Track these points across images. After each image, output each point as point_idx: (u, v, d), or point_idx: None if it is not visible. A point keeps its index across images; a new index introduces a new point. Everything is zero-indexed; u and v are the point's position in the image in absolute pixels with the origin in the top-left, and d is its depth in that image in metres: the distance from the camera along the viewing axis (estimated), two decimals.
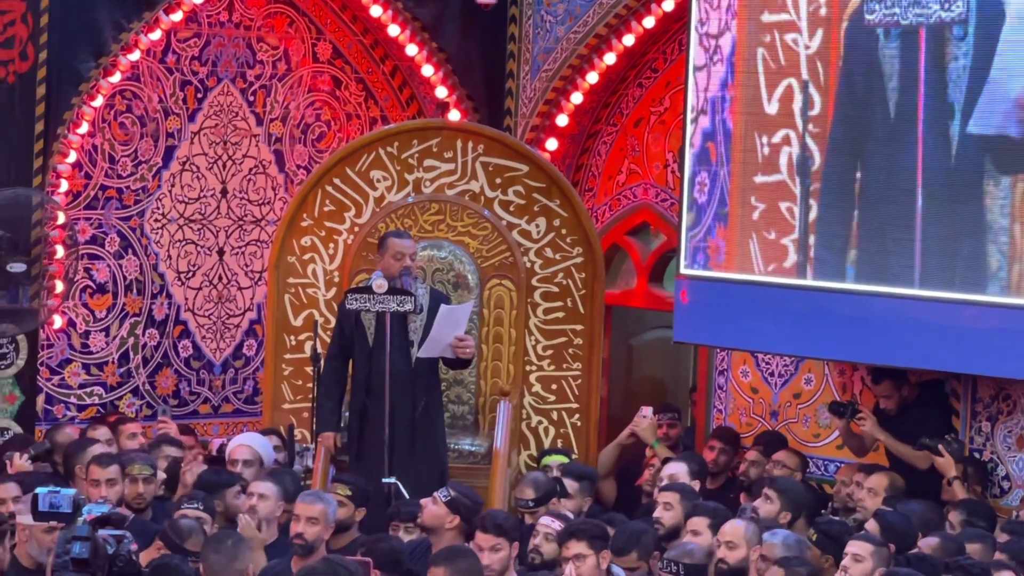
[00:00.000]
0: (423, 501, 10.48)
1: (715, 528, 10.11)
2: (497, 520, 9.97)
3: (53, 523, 7.42)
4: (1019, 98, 11.95)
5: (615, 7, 14.77)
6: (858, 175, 12.67)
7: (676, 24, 14.22)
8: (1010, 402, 13.00)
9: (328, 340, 13.29)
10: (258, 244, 14.96)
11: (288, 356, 13.89)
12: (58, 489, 7.24)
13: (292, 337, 13.92)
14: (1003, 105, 12.02)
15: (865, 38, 12.63)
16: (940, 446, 12.43)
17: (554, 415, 14.03)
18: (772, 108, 13.07)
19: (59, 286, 13.80)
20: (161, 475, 11.42)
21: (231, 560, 8.40)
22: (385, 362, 12.26)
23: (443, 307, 12.41)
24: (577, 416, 14.01)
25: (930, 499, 11.87)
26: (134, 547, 7.14)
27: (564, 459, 13.02)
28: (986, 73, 12.13)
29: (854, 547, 9.76)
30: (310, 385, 13.17)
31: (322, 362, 12.97)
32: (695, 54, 13.48)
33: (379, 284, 12.33)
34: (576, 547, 9.57)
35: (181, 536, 9.49)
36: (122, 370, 14.63)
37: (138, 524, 9.69)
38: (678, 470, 11.89)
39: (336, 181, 13.99)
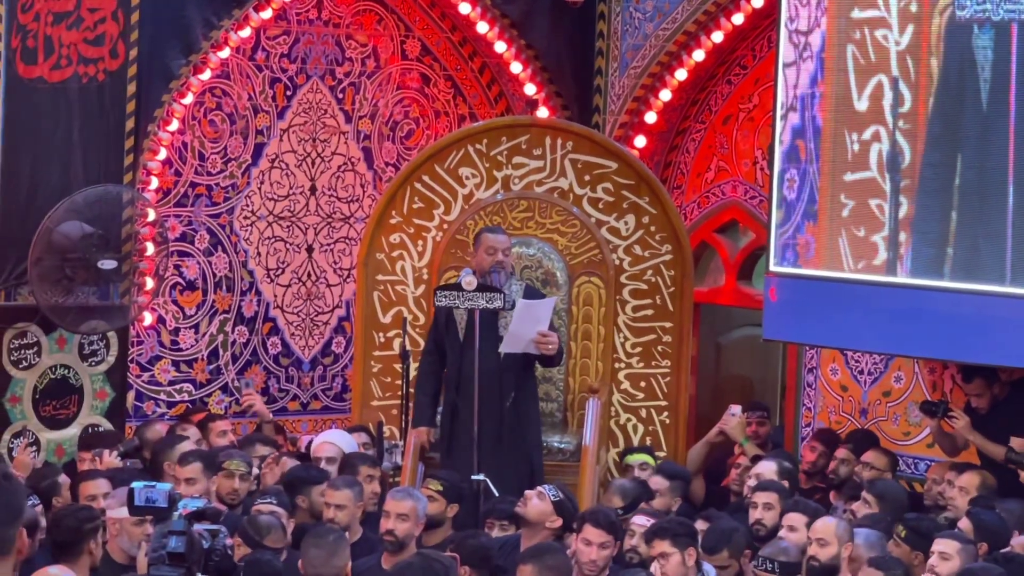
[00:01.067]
0: (528, 493, 10.50)
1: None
2: (610, 518, 10.02)
3: (147, 517, 7.48)
4: None
5: (704, 3, 14.72)
6: (952, 171, 12.64)
7: (765, 21, 14.21)
8: None
9: (417, 337, 13.37)
10: (347, 241, 15.00)
11: (377, 353, 13.88)
12: (154, 484, 7.27)
13: (381, 334, 13.90)
14: None
15: (957, 34, 12.60)
16: None
17: (643, 412, 13.99)
18: (862, 105, 13.00)
19: (149, 283, 13.83)
20: (256, 471, 11.49)
21: (331, 555, 8.46)
22: (474, 359, 12.24)
23: (520, 302, 12.33)
24: (666, 414, 13.96)
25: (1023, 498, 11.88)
26: (229, 541, 7.18)
27: (647, 457, 13.03)
28: None
29: (941, 545, 9.74)
30: (399, 382, 13.17)
31: (411, 360, 13.02)
32: (784, 51, 13.43)
33: (468, 281, 12.31)
34: (661, 546, 9.56)
35: (260, 533, 9.53)
36: (211, 367, 14.69)
37: (232, 520, 9.69)
38: (767, 469, 11.83)
39: (425, 178, 13.98)
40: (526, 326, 12.29)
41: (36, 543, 8.71)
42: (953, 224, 12.60)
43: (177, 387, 14.45)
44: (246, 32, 14.14)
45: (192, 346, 14.56)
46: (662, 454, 13.43)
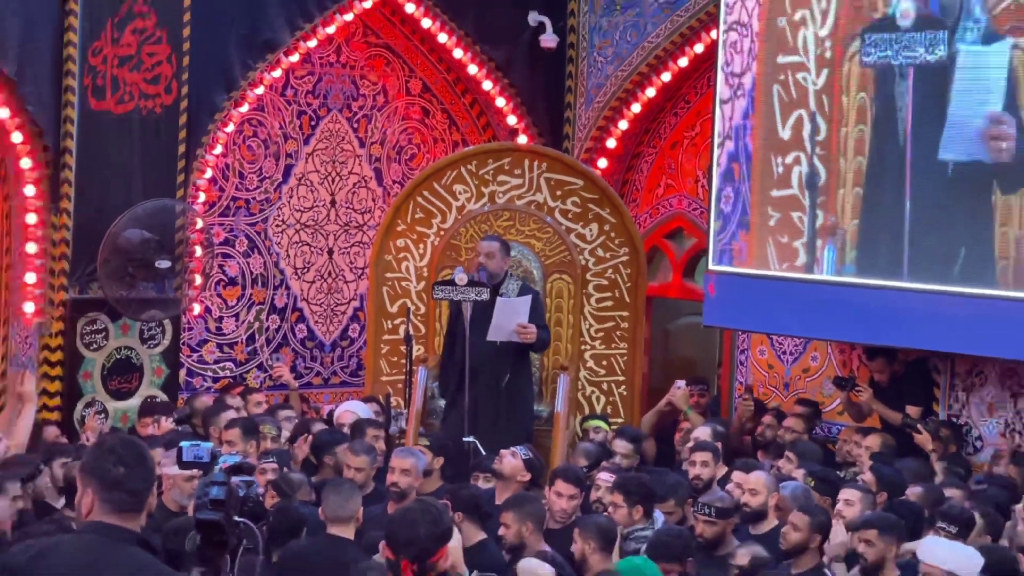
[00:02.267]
0: (503, 452, 10.48)
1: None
2: (578, 474, 10.17)
3: (195, 471, 7.54)
4: (983, 130, 11.99)
5: (655, 50, 14.75)
6: (853, 194, 12.72)
7: (705, 64, 14.21)
8: (982, 376, 13.01)
9: (419, 324, 13.44)
10: (361, 245, 15.00)
11: (386, 337, 13.94)
12: (199, 443, 7.33)
13: (389, 321, 13.95)
14: (971, 133, 12.06)
15: (864, 76, 12.66)
16: (919, 425, 12.48)
17: (604, 386, 14.03)
18: (786, 134, 13.06)
19: (197, 279, 13.86)
20: (286, 434, 11.59)
21: (346, 501, 8.54)
22: (465, 343, 12.31)
23: (499, 299, 12.33)
24: (623, 387, 14.03)
25: (917, 456, 11.96)
26: (260, 490, 7.24)
27: (601, 423, 13.11)
28: (959, 106, 12.17)
29: (846, 494, 9.90)
30: (403, 361, 13.13)
31: (413, 342, 13.02)
32: (721, 90, 13.51)
33: (460, 278, 12.35)
34: (616, 498, 9.67)
35: (291, 488, 9.63)
36: (249, 349, 14.74)
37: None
38: (703, 433, 11.87)
39: (425, 193, 13.99)
40: (507, 319, 12.30)
41: None
42: (859, 232, 12.69)
43: (221, 365, 14.51)
44: (277, 73, 14.18)
45: (233, 331, 14.61)
46: (620, 420, 13.49)
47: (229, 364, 14.56)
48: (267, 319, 14.84)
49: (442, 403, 12.85)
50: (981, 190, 12.00)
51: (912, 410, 12.86)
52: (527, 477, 10.22)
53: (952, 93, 12.14)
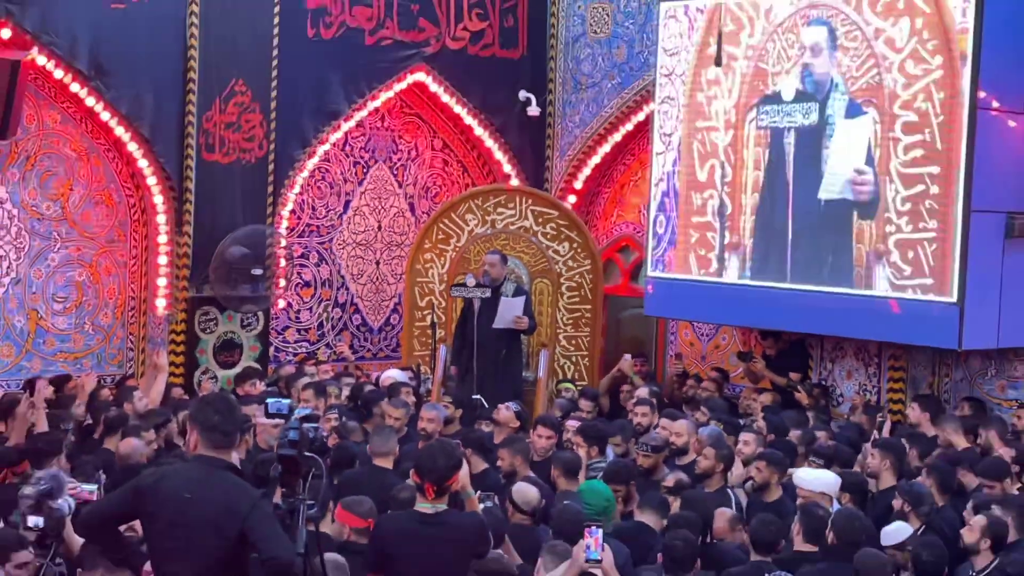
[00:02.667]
0: (500, 406, 10.57)
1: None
2: (554, 421, 10.27)
3: (277, 420, 7.59)
4: (850, 178, 12.02)
5: (609, 118, 14.69)
6: (752, 220, 12.76)
7: (645, 127, 14.14)
8: (843, 350, 13.04)
9: (440, 314, 13.48)
10: (399, 258, 14.96)
11: (417, 324, 13.90)
12: (281, 400, 7.38)
13: (420, 313, 13.92)
14: (841, 179, 12.08)
15: (758, 135, 12.69)
16: (798, 386, 12.56)
17: (573, 359, 14.00)
18: (702, 177, 13.06)
19: (282, 283, 13.88)
20: (345, 393, 11.61)
21: (387, 441, 8.62)
22: (475, 329, 12.36)
23: (503, 299, 12.43)
24: (586, 359, 14.03)
25: (796, 409, 12.03)
26: (325, 434, 7.29)
27: (570, 385, 13.31)
28: (833, 158, 12.22)
29: (744, 436, 10.05)
30: (430, 341, 13.23)
31: (437, 328, 13.10)
32: (657, 145, 13.50)
33: (470, 281, 12.46)
34: (578, 440, 9.76)
35: (347, 432, 9.80)
36: (319, 332, 14.72)
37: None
38: (643, 392, 11.93)
39: (445, 221, 14.01)
40: (508, 312, 12.37)
41: None
42: (755, 247, 12.72)
43: (298, 344, 14.52)
44: (339, 134, 14.16)
45: (307, 320, 14.61)
46: (583, 383, 13.50)
47: (304, 343, 14.56)
48: (332, 311, 14.82)
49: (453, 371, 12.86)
50: (845, 219, 12.02)
51: (793, 375, 12.95)
52: (517, 424, 10.26)
53: (826, 149, 12.19)
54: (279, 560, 5.48)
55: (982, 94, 11.29)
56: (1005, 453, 9.59)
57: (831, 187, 12.13)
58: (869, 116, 11.89)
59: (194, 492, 5.67)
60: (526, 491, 7.82)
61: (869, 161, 11.83)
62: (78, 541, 6.64)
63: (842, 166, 12.05)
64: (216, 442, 5.79)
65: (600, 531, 6.20)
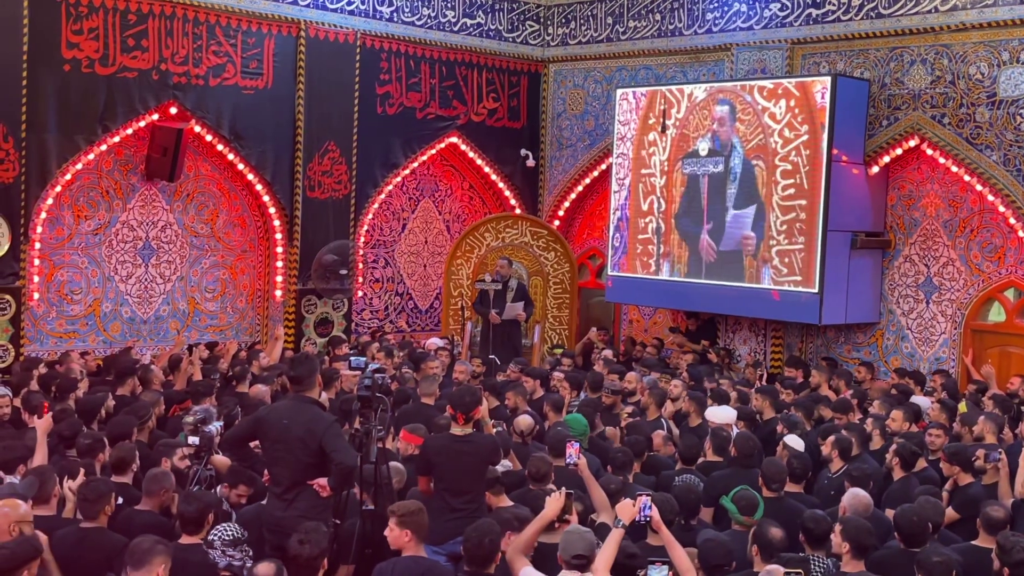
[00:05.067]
0: (509, 367, 10.61)
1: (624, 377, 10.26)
2: (544, 373, 10.40)
3: (356, 372, 7.61)
4: (749, 211, 12.05)
5: (581, 167, 14.60)
6: (678, 237, 12.76)
7: (607, 173, 14.01)
8: (740, 325, 12.99)
9: (467, 302, 13.45)
10: (440, 263, 14.81)
11: (451, 308, 13.89)
12: (360, 357, 7.41)
13: (453, 300, 13.88)
14: (749, 212, 12.12)
15: (682, 178, 12.69)
16: (711, 350, 12.56)
17: (557, 331, 14.02)
18: (645, 207, 13.02)
19: (360, 280, 13.88)
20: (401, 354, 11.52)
21: (431, 386, 8.58)
22: (490, 311, 12.38)
23: (508, 305, 12.47)
24: (566, 331, 14.04)
25: (708, 365, 12.03)
26: (389, 381, 7.31)
27: (557, 349, 13.25)
28: (736, 198, 12.23)
29: (673, 383, 9.98)
30: (460, 320, 13.27)
31: (465, 311, 13.18)
32: (614, 186, 13.42)
33: (487, 278, 12.54)
34: (563, 384, 9.75)
35: (404, 380, 9.65)
36: (385, 313, 14.62)
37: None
38: (607, 354, 11.93)
39: (470, 238, 13.98)
40: (511, 311, 12.46)
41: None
42: (682, 257, 12.73)
43: (371, 321, 14.44)
44: (398, 179, 14.03)
45: (377, 304, 14.54)
46: (564, 347, 13.45)
47: (375, 320, 14.49)
48: (394, 298, 14.76)
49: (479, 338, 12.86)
50: (741, 236, 12.05)
51: (705, 342, 12.95)
52: (519, 375, 10.24)
53: (729, 189, 12.20)
54: (344, 464, 5.68)
55: (835, 151, 11.44)
56: (848, 395, 9.64)
57: (726, 234, 12.17)
58: (757, 166, 11.92)
59: (289, 419, 5.84)
60: (524, 421, 7.86)
61: (758, 199, 11.86)
62: (224, 459, 6.70)
63: (738, 211, 12.06)
64: (296, 386, 5.99)
65: (578, 445, 6.39)
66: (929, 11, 11.25)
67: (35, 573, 4.57)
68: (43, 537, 4.89)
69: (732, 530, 5.94)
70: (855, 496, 6.16)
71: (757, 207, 11.92)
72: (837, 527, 5.45)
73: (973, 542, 5.82)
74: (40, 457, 6.37)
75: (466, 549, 4.88)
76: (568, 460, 6.25)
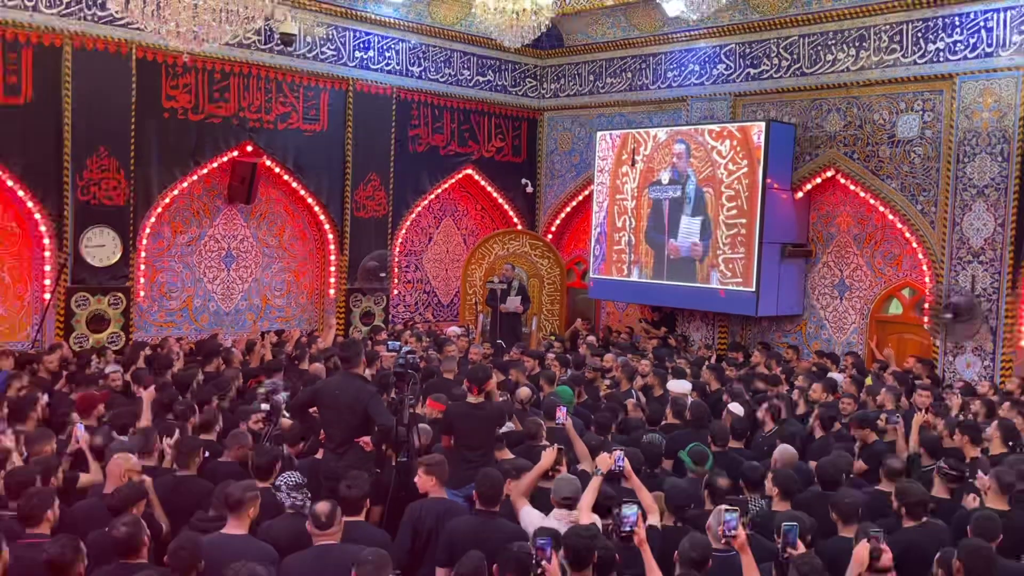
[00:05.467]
0: (512, 349, 10.51)
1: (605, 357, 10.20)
2: (541, 354, 10.20)
3: (393, 353, 7.58)
4: (691, 243, 11.97)
5: (569, 193, 14.54)
6: (648, 247, 12.71)
7: (589, 197, 13.98)
8: (694, 316, 12.93)
9: (479, 299, 13.32)
10: (458, 268, 14.72)
11: (468, 303, 13.80)
12: (395, 341, 7.37)
13: (468, 296, 13.83)
14: (693, 236, 12.06)
15: (649, 202, 12.64)
16: (671, 336, 12.51)
17: (550, 321, 13.94)
18: (620, 225, 12.99)
19: (396, 281, 13.78)
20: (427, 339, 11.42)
21: (451, 364, 8.50)
22: (497, 306, 12.31)
23: (509, 298, 12.36)
24: (557, 320, 13.99)
25: (669, 348, 11.96)
26: (419, 360, 7.25)
27: (553, 336, 13.03)
28: (690, 217, 12.17)
29: (643, 362, 9.82)
30: (474, 312, 13.18)
31: (479, 307, 13.05)
32: (595, 207, 13.34)
33: (496, 280, 12.46)
34: (554, 363, 9.64)
35: (430, 360, 9.43)
36: (416, 307, 14.56)
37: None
38: (591, 340, 11.84)
39: (481, 248, 13.94)
40: (511, 304, 12.35)
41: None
42: (648, 263, 12.67)
43: (404, 313, 14.39)
44: (425, 202, 13.96)
45: (409, 301, 14.49)
46: (556, 334, 13.36)
47: (407, 313, 14.47)
48: (421, 296, 14.67)
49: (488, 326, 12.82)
50: (690, 244, 11.99)
51: (666, 330, 12.91)
52: (520, 356, 10.17)
53: (684, 213, 12.15)
54: (384, 424, 5.65)
55: (768, 180, 11.41)
56: (778, 371, 9.60)
57: (683, 245, 12.08)
58: (708, 192, 11.87)
59: (340, 390, 5.80)
60: (524, 392, 7.80)
61: (706, 219, 11.80)
62: (287, 421, 6.67)
63: (692, 227, 11.98)
64: (349, 364, 5.93)
65: (565, 409, 6.36)
66: (842, 70, 11.25)
67: (142, 510, 4.59)
68: (148, 481, 4.90)
69: (688, 478, 5.93)
70: (784, 451, 6.15)
71: (703, 219, 11.87)
72: (769, 475, 5.45)
73: (877, 487, 5.81)
74: (145, 420, 6.38)
75: (479, 491, 4.87)
76: (557, 421, 6.23)
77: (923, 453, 6.46)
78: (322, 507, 4.40)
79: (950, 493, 5.64)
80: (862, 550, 3.71)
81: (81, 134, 10.46)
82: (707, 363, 10.54)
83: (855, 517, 4.85)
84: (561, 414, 6.21)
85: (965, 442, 6.47)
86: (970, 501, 5.30)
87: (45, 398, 6.87)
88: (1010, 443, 6.51)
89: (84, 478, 5.58)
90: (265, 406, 6.64)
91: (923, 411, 7.44)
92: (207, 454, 5.76)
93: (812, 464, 6.11)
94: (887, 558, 3.69)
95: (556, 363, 9.68)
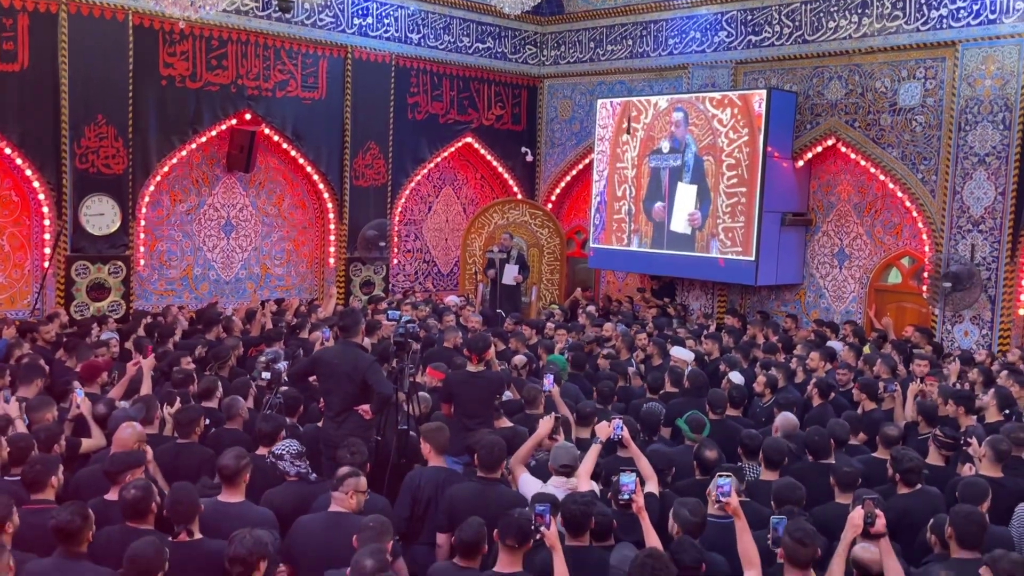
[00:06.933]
0: (507, 320, 10.53)
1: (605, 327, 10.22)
2: (541, 324, 10.18)
3: (393, 322, 7.59)
4: (689, 214, 11.95)
5: (569, 161, 14.47)
6: (647, 217, 12.68)
7: (589, 166, 13.94)
8: (694, 285, 12.93)
9: (479, 269, 13.30)
10: (458, 237, 14.62)
11: (467, 272, 13.82)
12: (395, 311, 7.37)
13: (468, 266, 13.82)
14: (686, 213, 12.01)
15: (649, 170, 12.59)
16: (671, 305, 12.51)
17: (550, 291, 13.94)
18: (619, 194, 12.94)
19: (396, 250, 13.81)
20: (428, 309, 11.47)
21: (452, 334, 8.45)
22: (498, 276, 12.31)
23: (507, 267, 12.36)
24: (557, 291, 13.96)
25: (668, 317, 11.98)
26: (418, 330, 7.26)
27: (555, 307, 13.05)
28: (688, 185, 12.12)
29: (641, 333, 9.83)
30: (474, 282, 13.19)
31: (479, 276, 13.05)
32: (595, 176, 13.29)
33: (496, 249, 12.45)
34: (558, 333, 9.66)
35: (429, 328, 9.44)
36: (416, 276, 14.53)
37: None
38: (591, 309, 11.85)
39: (481, 217, 13.86)
40: (509, 274, 12.36)
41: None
42: (648, 232, 12.66)
43: (404, 283, 14.37)
44: (425, 170, 13.90)
45: (409, 270, 14.47)
46: (556, 303, 13.42)
47: (407, 282, 14.45)
48: (421, 265, 14.63)
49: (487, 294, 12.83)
50: (695, 222, 11.95)
51: (666, 300, 12.92)
52: (519, 326, 10.17)
53: (682, 180, 12.10)
54: (383, 392, 5.67)
55: (769, 149, 11.33)
56: (776, 340, 9.63)
57: (680, 218, 12.05)
58: (707, 161, 11.81)
59: (339, 359, 5.81)
60: (519, 359, 7.85)
61: (705, 189, 11.76)
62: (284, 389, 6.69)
63: (689, 199, 11.92)
64: (344, 333, 5.94)
65: (551, 376, 6.44)
66: (844, 38, 11.14)
67: (141, 476, 4.60)
68: (148, 450, 4.92)
69: (684, 445, 5.96)
70: (786, 418, 6.18)
71: (699, 187, 11.84)
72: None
73: (873, 454, 5.84)
74: (146, 388, 6.39)
75: (479, 458, 4.89)
76: (544, 389, 6.31)
77: (921, 421, 6.49)
78: (345, 471, 4.42)
79: (945, 461, 5.67)
80: (856, 515, 3.75)
81: (78, 101, 10.38)
82: (705, 332, 10.60)
83: (854, 486, 4.87)
84: (548, 381, 6.26)
85: (960, 412, 6.49)
86: (966, 470, 5.33)
87: (46, 367, 6.88)
88: (1006, 411, 6.54)
89: (86, 443, 5.60)
90: (266, 374, 6.65)
91: (919, 380, 7.45)
92: (208, 422, 5.77)
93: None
94: (881, 523, 3.73)
95: (558, 331, 9.67)
